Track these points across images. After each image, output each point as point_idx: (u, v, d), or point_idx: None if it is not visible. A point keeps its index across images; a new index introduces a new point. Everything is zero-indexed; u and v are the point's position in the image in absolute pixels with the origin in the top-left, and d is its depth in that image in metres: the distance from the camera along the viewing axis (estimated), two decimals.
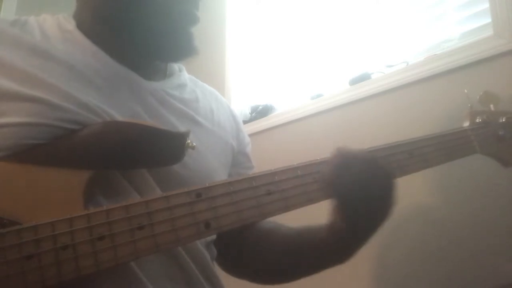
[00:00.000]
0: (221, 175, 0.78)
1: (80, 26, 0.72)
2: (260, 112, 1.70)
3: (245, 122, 1.70)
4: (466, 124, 0.81)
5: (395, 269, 1.14)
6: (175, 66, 0.85)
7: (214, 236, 0.78)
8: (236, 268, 0.85)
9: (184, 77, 0.84)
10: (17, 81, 0.59)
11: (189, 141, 0.62)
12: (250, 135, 0.96)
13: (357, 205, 0.60)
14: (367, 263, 1.19)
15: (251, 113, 1.76)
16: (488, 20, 1.13)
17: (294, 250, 0.77)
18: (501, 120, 0.81)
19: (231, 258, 0.84)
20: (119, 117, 0.64)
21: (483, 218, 1.00)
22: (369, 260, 1.18)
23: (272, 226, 0.83)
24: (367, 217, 0.62)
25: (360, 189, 0.59)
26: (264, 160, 0.99)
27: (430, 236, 1.08)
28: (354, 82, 1.40)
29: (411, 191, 1.12)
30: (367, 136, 1.28)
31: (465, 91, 0.85)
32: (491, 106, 0.83)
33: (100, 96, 0.64)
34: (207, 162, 0.74)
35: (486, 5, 1.14)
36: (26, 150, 0.55)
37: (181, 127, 0.72)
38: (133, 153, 0.59)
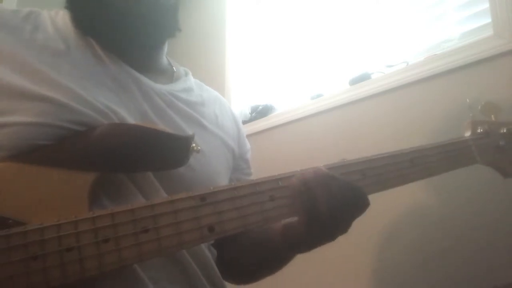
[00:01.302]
0: (224, 179, 0.78)
1: None
2: (260, 112, 1.71)
3: (245, 122, 1.70)
4: (468, 134, 0.81)
5: (395, 269, 1.14)
6: (182, 70, 0.86)
7: None
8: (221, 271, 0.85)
9: (190, 81, 0.84)
10: (28, 79, 0.59)
11: (194, 144, 0.62)
12: (250, 135, 0.96)
13: (324, 223, 0.58)
14: (367, 263, 1.19)
15: (251, 113, 1.76)
16: (488, 20, 1.13)
17: (252, 251, 0.78)
18: (502, 131, 0.81)
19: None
20: (128, 117, 0.64)
21: (483, 218, 1.00)
22: (369, 260, 1.19)
23: None
24: (330, 231, 0.60)
25: (329, 211, 0.57)
26: (264, 160, 0.99)
27: (430, 237, 1.09)
28: (354, 82, 1.41)
29: (412, 191, 1.13)
30: (367, 136, 1.29)
31: (467, 100, 0.86)
32: (492, 116, 0.84)
33: (110, 96, 0.65)
34: (211, 165, 0.74)
35: (486, 5, 1.14)
36: (32, 150, 0.56)
37: (188, 130, 0.72)
38: (138, 156, 0.59)
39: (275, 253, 0.73)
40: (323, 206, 0.57)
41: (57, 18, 0.71)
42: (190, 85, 0.82)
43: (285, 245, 0.66)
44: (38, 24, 0.68)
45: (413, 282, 1.10)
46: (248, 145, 0.94)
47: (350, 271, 1.22)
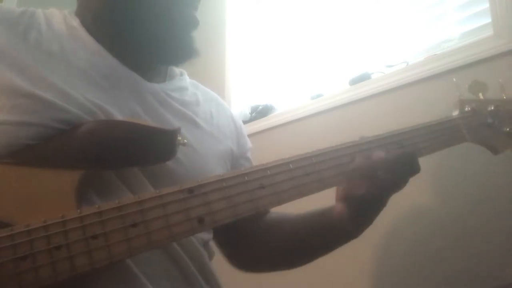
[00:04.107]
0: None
1: (83, 23, 0.73)
2: (260, 112, 1.70)
3: (245, 122, 1.70)
4: (455, 113, 0.82)
5: (395, 269, 1.13)
6: (176, 70, 0.86)
7: (211, 235, 0.78)
8: (252, 262, 0.87)
9: (185, 81, 0.84)
10: (19, 75, 0.59)
11: (180, 137, 0.62)
12: (250, 135, 0.96)
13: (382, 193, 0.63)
14: (367, 263, 1.19)
15: (251, 113, 1.76)
16: (488, 20, 1.13)
17: (307, 233, 0.78)
18: (489, 108, 0.81)
19: (244, 253, 0.86)
20: (119, 116, 0.64)
21: (483, 218, 1.00)
22: (369, 261, 1.18)
23: (280, 215, 0.85)
24: (380, 201, 0.64)
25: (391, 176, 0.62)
26: (264, 160, 0.98)
27: (430, 237, 1.08)
28: (354, 82, 1.40)
29: (411, 191, 1.12)
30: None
31: (454, 79, 0.86)
32: (480, 94, 0.84)
33: (101, 95, 0.64)
34: (204, 163, 0.74)
35: (486, 5, 1.14)
36: (17, 151, 0.55)
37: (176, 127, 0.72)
38: (124, 152, 0.59)
39: (332, 228, 0.72)
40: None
41: (52, 18, 0.72)
42: (185, 85, 0.83)
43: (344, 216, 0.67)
44: (32, 22, 0.68)
45: (413, 282, 1.09)
46: (249, 144, 0.94)
47: (350, 271, 1.21)
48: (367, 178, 0.62)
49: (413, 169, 0.63)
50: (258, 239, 0.84)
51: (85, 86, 0.64)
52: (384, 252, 1.16)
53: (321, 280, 1.22)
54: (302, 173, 0.61)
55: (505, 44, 1.05)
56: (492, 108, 0.81)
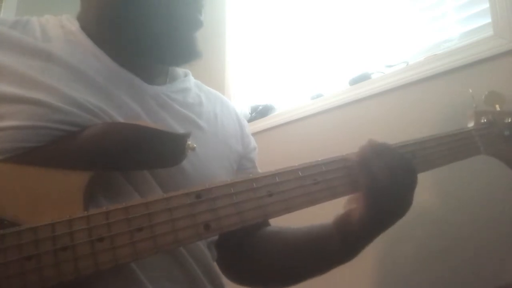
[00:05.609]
0: (223, 179, 0.77)
1: (83, 27, 0.72)
2: (260, 112, 1.70)
3: None
4: (471, 124, 0.79)
5: (396, 269, 1.14)
6: (180, 71, 0.85)
7: (215, 237, 0.78)
8: (241, 275, 0.84)
9: (189, 82, 0.83)
10: (16, 84, 0.59)
11: (189, 142, 0.62)
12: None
13: (382, 194, 0.60)
14: (369, 263, 1.19)
15: (251, 113, 1.76)
16: (488, 20, 1.13)
17: (300, 251, 0.76)
18: (507, 121, 0.79)
19: (235, 265, 0.83)
20: (119, 119, 0.64)
21: (484, 218, 1.00)
22: (370, 261, 1.18)
23: (276, 229, 0.83)
24: (387, 209, 0.62)
25: (389, 177, 0.60)
26: (264, 160, 0.99)
27: (431, 237, 1.08)
28: (354, 82, 1.40)
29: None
30: (367, 136, 1.26)
31: (470, 91, 0.85)
32: (497, 106, 0.82)
33: (101, 97, 0.64)
34: (208, 165, 0.74)
35: (486, 5, 1.14)
36: (26, 152, 0.55)
37: (182, 130, 0.72)
38: (134, 155, 0.59)
39: (324, 251, 0.71)
40: (382, 176, 0.60)
41: (47, 25, 0.71)
42: (188, 86, 0.82)
43: (338, 235, 0.66)
44: (26, 30, 0.68)
45: (414, 283, 1.09)
46: (253, 144, 0.93)
47: (351, 271, 1.22)
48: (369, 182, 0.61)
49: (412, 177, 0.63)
50: (253, 250, 0.81)
51: (84, 89, 0.63)
52: (386, 251, 1.16)
53: (322, 280, 1.22)
54: (312, 181, 0.60)
55: (505, 44, 1.05)
56: (510, 120, 0.79)
